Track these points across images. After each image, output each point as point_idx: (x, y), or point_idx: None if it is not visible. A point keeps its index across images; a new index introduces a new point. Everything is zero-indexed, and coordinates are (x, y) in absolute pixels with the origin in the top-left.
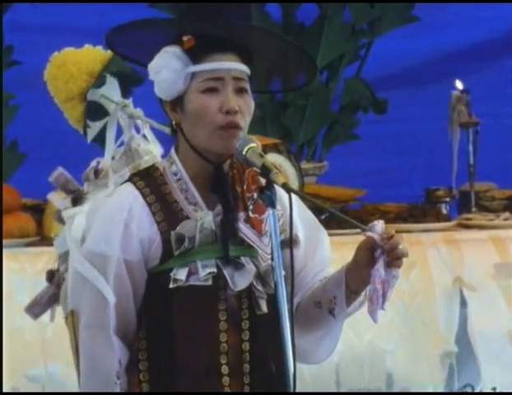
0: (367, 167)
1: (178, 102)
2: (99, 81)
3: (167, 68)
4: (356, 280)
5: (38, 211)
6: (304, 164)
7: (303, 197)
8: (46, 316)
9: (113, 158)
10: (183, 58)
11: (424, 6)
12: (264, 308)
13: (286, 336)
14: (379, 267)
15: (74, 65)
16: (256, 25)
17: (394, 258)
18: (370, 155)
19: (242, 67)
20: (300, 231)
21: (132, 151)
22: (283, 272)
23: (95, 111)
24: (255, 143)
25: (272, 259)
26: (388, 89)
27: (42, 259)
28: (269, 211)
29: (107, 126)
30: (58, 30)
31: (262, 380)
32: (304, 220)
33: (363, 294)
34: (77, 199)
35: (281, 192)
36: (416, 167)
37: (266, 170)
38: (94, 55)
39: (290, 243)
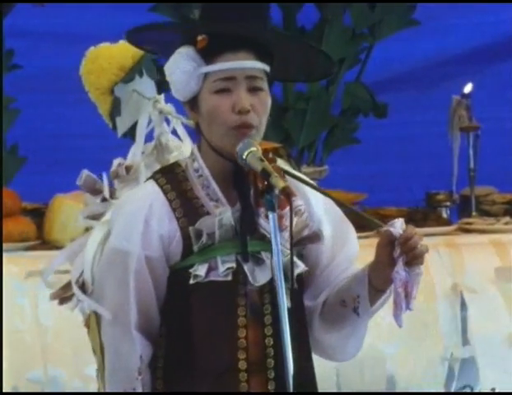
0: (367, 171)
1: (194, 102)
2: (128, 77)
3: (180, 69)
4: (379, 279)
5: (38, 214)
6: (305, 169)
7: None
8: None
9: (142, 153)
10: (196, 59)
11: (424, 10)
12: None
13: (285, 336)
14: (399, 268)
15: (106, 59)
16: (271, 28)
17: (413, 258)
18: (371, 159)
19: (256, 65)
20: (326, 226)
21: (162, 146)
22: (305, 268)
23: (120, 106)
24: (255, 147)
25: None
26: (389, 93)
27: (42, 263)
28: (269, 215)
29: (138, 121)
30: (59, 34)
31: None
32: (331, 215)
33: (388, 291)
34: (106, 198)
35: (304, 189)
36: (416, 171)
37: (266, 174)
38: (126, 50)
39: (290, 246)
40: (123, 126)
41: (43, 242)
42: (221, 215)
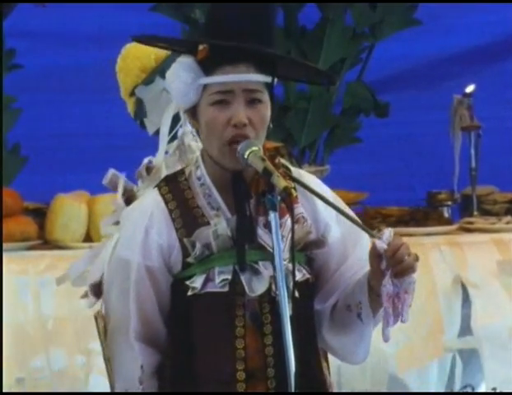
0: (369, 170)
1: (194, 112)
2: (148, 79)
3: (179, 80)
4: (377, 286)
5: (39, 214)
6: (306, 168)
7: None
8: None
9: (166, 153)
10: (196, 70)
11: (425, 10)
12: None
13: (287, 337)
14: (386, 282)
15: (133, 60)
16: (272, 51)
17: (401, 271)
18: (372, 158)
19: (256, 78)
20: (335, 231)
21: (185, 146)
22: (305, 276)
23: (144, 107)
24: (257, 146)
25: (290, 262)
26: (390, 92)
27: (43, 262)
28: (271, 215)
29: (161, 122)
30: (59, 34)
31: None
32: (342, 217)
33: None
34: (130, 198)
35: (313, 198)
36: (417, 170)
37: (267, 174)
38: (150, 51)
39: (291, 249)
40: (152, 125)
41: (44, 242)
42: (216, 226)
